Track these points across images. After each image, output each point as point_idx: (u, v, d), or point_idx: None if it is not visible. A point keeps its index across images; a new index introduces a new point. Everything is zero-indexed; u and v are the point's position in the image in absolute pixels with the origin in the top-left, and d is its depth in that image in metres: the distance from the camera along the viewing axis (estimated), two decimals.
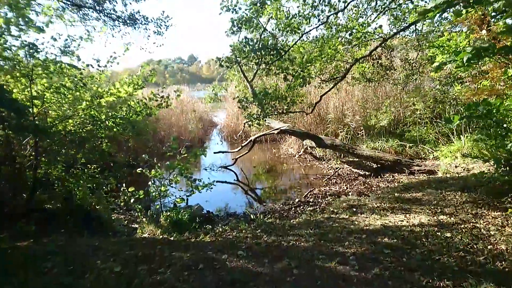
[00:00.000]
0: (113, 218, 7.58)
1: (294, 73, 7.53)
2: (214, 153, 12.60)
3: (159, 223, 5.53)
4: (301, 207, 7.72)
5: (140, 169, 6.04)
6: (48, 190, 7.29)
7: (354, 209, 5.88)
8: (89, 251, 4.62)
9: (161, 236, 5.23)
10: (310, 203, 7.95)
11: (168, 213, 5.58)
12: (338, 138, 11.31)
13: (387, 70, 11.17)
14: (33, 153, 6.66)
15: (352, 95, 13.88)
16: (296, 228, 5.01)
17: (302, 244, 4.27)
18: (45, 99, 6.57)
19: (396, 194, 6.75)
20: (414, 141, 10.92)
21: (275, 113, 8.76)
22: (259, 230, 5.03)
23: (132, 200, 5.96)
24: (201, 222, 6.46)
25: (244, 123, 12.23)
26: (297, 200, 8.26)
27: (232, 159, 11.96)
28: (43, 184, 7.57)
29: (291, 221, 5.55)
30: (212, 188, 6.08)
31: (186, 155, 6.02)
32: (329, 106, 13.89)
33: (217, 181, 10.70)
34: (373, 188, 8.30)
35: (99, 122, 7.08)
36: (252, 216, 5.86)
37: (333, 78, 8.96)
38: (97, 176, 7.37)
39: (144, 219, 5.76)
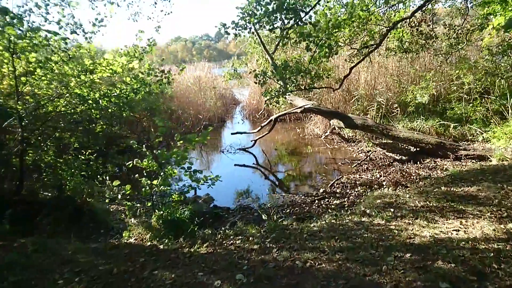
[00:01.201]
0: (111, 210, 6.73)
1: (318, 41, 6.26)
2: (232, 134, 11.55)
3: (151, 225, 4.55)
4: (326, 200, 6.59)
5: (133, 161, 5.00)
6: (37, 180, 6.49)
7: (391, 209, 4.68)
8: (56, 265, 3.70)
9: (149, 243, 4.25)
10: (337, 195, 6.81)
11: (161, 212, 4.58)
12: (369, 117, 9.99)
13: (428, 39, 9.64)
14: (19, 138, 5.84)
15: (386, 68, 12.37)
16: (317, 237, 3.90)
17: (323, 265, 3.16)
18: (32, 76, 5.68)
19: (443, 188, 5.49)
20: (459, 120, 9.47)
21: (297, 89, 7.54)
22: (269, 239, 3.95)
23: (120, 196, 4.99)
24: (205, 221, 5.47)
25: (265, 101, 11.09)
26: (321, 190, 7.13)
27: (251, 141, 10.87)
28: (33, 172, 6.80)
29: (311, 224, 4.43)
30: (214, 184, 4.99)
31: (182, 142, 4.91)
32: (360, 81, 12.47)
33: (235, 165, 9.78)
34: (412, 177, 7.03)
35: (90, 102, 6.12)
36: (264, 216, 4.80)
37: (365, 46, 7.58)
38: (91, 163, 6.47)
39: (133, 220, 4.79)
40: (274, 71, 7.34)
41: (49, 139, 6.55)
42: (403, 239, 3.56)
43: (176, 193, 4.94)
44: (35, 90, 6.26)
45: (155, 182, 4.74)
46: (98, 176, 6.50)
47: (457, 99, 10.03)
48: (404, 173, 7.29)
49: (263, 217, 4.73)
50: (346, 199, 6.52)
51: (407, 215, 4.32)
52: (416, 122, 9.72)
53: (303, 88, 7.67)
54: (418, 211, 4.45)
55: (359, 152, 9.71)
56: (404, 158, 8.60)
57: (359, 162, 8.62)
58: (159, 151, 4.81)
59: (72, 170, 6.15)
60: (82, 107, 6.17)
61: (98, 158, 6.69)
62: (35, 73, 5.60)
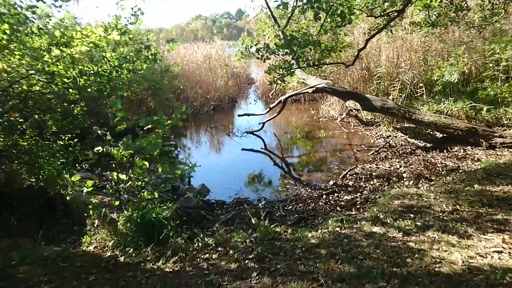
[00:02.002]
0: (94, 202, 6.00)
1: (328, 8, 5.25)
2: (239, 115, 10.66)
3: (117, 228, 3.78)
4: (336, 194, 5.70)
5: (103, 147, 4.17)
6: (6, 167, 5.81)
7: (411, 215, 3.75)
8: None
9: (110, 253, 3.48)
10: (349, 189, 5.91)
11: (131, 212, 3.81)
12: (390, 98, 8.92)
13: (459, 11, 8.42)
14: None
15: (411, 44, 11.14)
16: (313, 255, 3.04)
17: None
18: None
19: (476, 187, 4.51)
20: (492, 102, 8.32)
21: (307, 65, 6.58)
22: (252, 255, 3.12)
23: (85, 191, 4.20)
24: (190, 220, 4.69)
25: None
26: (331, 182, 6.23)
27: (259, 123, 9.98)
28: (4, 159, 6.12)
29: (310, 234, 3.54)
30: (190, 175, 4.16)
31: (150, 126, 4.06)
32: (381, 58, 11.31)
33: (242, 149, 8.94)
34: (438, 169, 6.04)
35: (66, 80, 5.33)
36: (254, 220, 3.95)
37: (385, 14, 6.47)
38: (70, 148, 5.73)
39: (96, 222, 4.02)
40: (284, 45, 6.39)
41: (25, 122, 5.84)
42: (426, 265, 2.67)
43: (149, 189, 4.13)
44: (4, 67, 5.52)
45: (123, 176, 3.94)
46: (77, 165, 5.78)
47: (490, 78, 8.83)
48: (428, 164, 6.29)
49: (254, 221, 3.89)
50: (359, 194, 5.61)
51: (432, 226, 3.39)
52: (443, 104, 8.61)
53: (311, 64, 6.68)
54: (445, 220, 3.52)
55: (378, 137, 8.71)
56: (428, 145, 7.57)
57: (377, 149, 7.65)
58: (124, 140, 3.97)
59: (47, 158, 5.43)
60: (56, 87, 5.39)
61: (81, 142, 5.96)
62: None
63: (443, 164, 6.28)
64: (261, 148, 9.14)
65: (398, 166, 6.59)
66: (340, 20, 5.42)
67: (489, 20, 8.95)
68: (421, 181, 5.71)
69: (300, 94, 9.53)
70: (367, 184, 6.00)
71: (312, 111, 12.20)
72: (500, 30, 9.06)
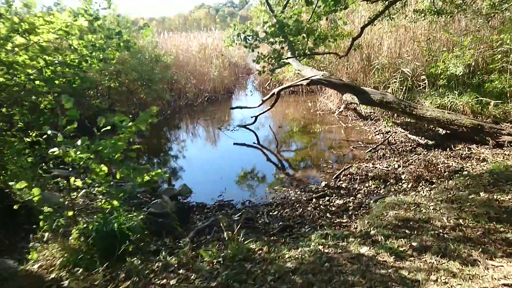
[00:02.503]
0: (46, 211, 5.50)
1: None
2: (231, 108, 10.14)
3: (68, 243, 3.30)
4: (326, 198, 5.20)
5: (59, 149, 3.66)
6: None
7: (407, 232, 3.23)
8: None
9: (55, 274, 3.00)
10: (342, 191, 5.42)
11: (85, 225, 3.33)
12: (389, 91, 8.36)
13: None
14: None
15: (414, 32, 10.51)
16: (287, 284, 2.54)
17: None
18: None
19: (482, 195, 3.99)
20: (500, 96, 7.74)
21: (296, 54, 6.05)
22: (215, 283, 2.63)
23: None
24: (162, 229, 4.22)
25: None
26: (323, 184, 5.72)
27: (251, 117, 9.46)
28: None
29: (287, 255, 3.03)
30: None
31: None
32: (383, 48, 10.71)
33: (235, 143, 8.45)
34: (440, 171, 5.51)
35: (29, 71, 4.82)
36: (226, 235, 3.42)
37: None
38: (37, 146, 5.24)
39: (46, 235, 3.53)
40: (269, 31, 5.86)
41: None
42: None
43: (106, 198, 3.64)
44: None
45: (78, 182, 3.45)
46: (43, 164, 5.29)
47: (498, 70, 8.23)
48: (429, 164, 5.76)
49: (225, 235, 3.39)
50: (352, 198, 5.11)
51: (430, 247, 2.88)
52: (447, 98, 8.03)
53: (303, 53, 6.14)
54: (446, 239, 3.01)
55: (376, 133, 8.18)
56: (430, 142, 7.03)
57: (375, 146, 7.12)
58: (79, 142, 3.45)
59: (10, 157, 4.94)
60: (19, 79, 4.88)
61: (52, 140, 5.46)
62: None
63: (446, 165, 5.75)
64: (254, 143, 8.65)
65: (396, 166, 6.07)
66: (333, 3, 4.87)
67: (498, 7, 8.34)
68: (420, 184, 5.21)
69: (296, 86, 8.94)
70: (362, 187, 5.49)
71: (310, 103, 11.65)
72: (510, 19, 8.42)
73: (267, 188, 5.89)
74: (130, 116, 10.46)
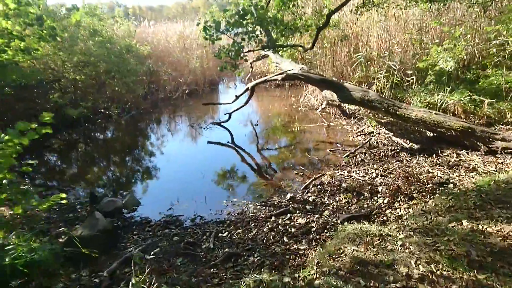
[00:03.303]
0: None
1: None
2: (203, 104, 9.33)
3: None
4: (288, 216, 4.47)
5: None
6: None
7: (362, 283, 2.49)
8: None
9: None
10: (308, 206, 4.68)
11: None
12: (373, 87, 7.58)
13: None
14: None
15: (406, 22, 9.66)
16: None
17: None
18: None
19: (465, 224, 3.25)
20: (495, 94, 6.98)
21: (263, 47, 5.29)
22: None
23: None
24: (83, 257, 3.50)
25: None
26: (288, 196, 4.98)
27: (225, 114, 8.69)
28: None
29: None
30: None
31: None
32: (372, 40, 9.90)
33: (209, 142, 7.72)
34: (422, 182, 4.78)
35: None
36: (134, 280, 2.70)
37: None
38: None
39: None
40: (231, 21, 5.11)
41: None
42: None
43: None
44: None
45: None
46: None
47: (494, 65, 7.45)
48: (410, 175, 5.02)
49: (133, 280, 2.65)
50: (317, 216, 4.37)
51: None
52: (438, 95, 7.26)
53: (267, 46, 5.37)
54: None
55: (359, 133, 7.42)
56: (415, 146, 6.29)
57: (354, 150, 6.37)
58: None
59: None
60: None
61: None
62: None
63: (430, 175, 5.01)
64: (228, 142, 7.90)
65: (374, 175, 5.33)
66: None
67: None
68: (399, 199, 4.48)
69: (270, 81, 8.12)
70: (331, 201, 4.75)
71: (294, 98, 10.88)
72: (508, 8, 7.60)
73: (225, 200, 5.13)
74: (102, 111, 9.77)
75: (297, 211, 4.54)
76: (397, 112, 6.18)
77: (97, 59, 9.36)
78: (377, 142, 6.73)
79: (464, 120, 6.16)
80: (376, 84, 7.89)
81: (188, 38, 14.07)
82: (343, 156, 6.24)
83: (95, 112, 9.77)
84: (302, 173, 5.82)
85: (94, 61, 9.28)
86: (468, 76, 7.86)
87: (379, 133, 7.15)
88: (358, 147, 6.44)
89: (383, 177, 5.20)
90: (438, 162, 5.51)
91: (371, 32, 9.88)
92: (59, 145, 8.01)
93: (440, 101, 7.08)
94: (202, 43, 14.22)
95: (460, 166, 5.28)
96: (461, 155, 5.65)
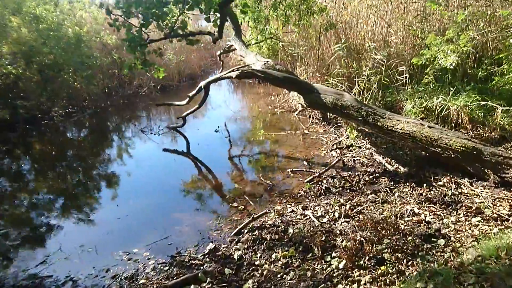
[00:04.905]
0: None
1: None
2: (157, 105, 7.80)
3: None
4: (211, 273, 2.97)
5: None
6: None
7: None
8: None
9: None
10: (227, 268, 3.17)
11: None
12: (355, 89, 5.97)
13: None
14: None
15: (406, 8, 7.95)
16: None
17: None
18: None
19: None
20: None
21: (170, 36, 3.77)
22: None
23: None
24: None
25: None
26: (208, 248, 3.48)
27: (178, 118, 7.20)
28: None
29: None
30: None
31: None
32: (364, 28, 8.22)
33: (164, 149, 6.29)
34: (400, 233, 3.21)
35: None
36: None
37: None
38: None
39: None
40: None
41: None
42: None
43: None
44: None
45: None
46: None
47: (508, 59, 5.77)
48: (387, 217, 3.46)
49: None
50: None
51: None
52: (438, 98, 5.62)
53: (170, 34, 3.84)
54: None
55: (335, 146, 5.84)
56: (401, 169, 4.71)
57: (320, 173, 4.80)
58: None
59: None
60: None
61: None
62: None
63: (414, 219, 3.48)
64: (183, 151, 6.45)
65: (336, 216, 3.78)
66: None
67: None
68: (361, 263, 2.95)
69: (221, 79, 6.49)
70: (264, 261, 3.23)
71: (273, 97, 9.31)
72: None
73: (122, 251, 3.63)
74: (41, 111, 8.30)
75: (207, 279, 3.02)
76: (378, 123, 4.60)
77: (35, 50, 7.91)
78: (354, 161, 5.16)
79: (468, 136, 4.52)
80: (358, 84, 6.27)
81: None
82: (305, 181, 4.69)
83: (45, 113, 8.37)
84: (243, 207, 4.30)
85: (29, 52, 7.84)
86: (479, 73, 6.20)
87: (359, 147, 5.57)
88: (327, 168, 4.87)
89: (347, 220, 3.65)
90: (429, 196, 3.95)
91: (363, 20, 8.21)
92: None
93: (440, 107, 5.46)
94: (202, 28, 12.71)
95: (459, 204, 3.73)
96: (462, 186, 4.08)
